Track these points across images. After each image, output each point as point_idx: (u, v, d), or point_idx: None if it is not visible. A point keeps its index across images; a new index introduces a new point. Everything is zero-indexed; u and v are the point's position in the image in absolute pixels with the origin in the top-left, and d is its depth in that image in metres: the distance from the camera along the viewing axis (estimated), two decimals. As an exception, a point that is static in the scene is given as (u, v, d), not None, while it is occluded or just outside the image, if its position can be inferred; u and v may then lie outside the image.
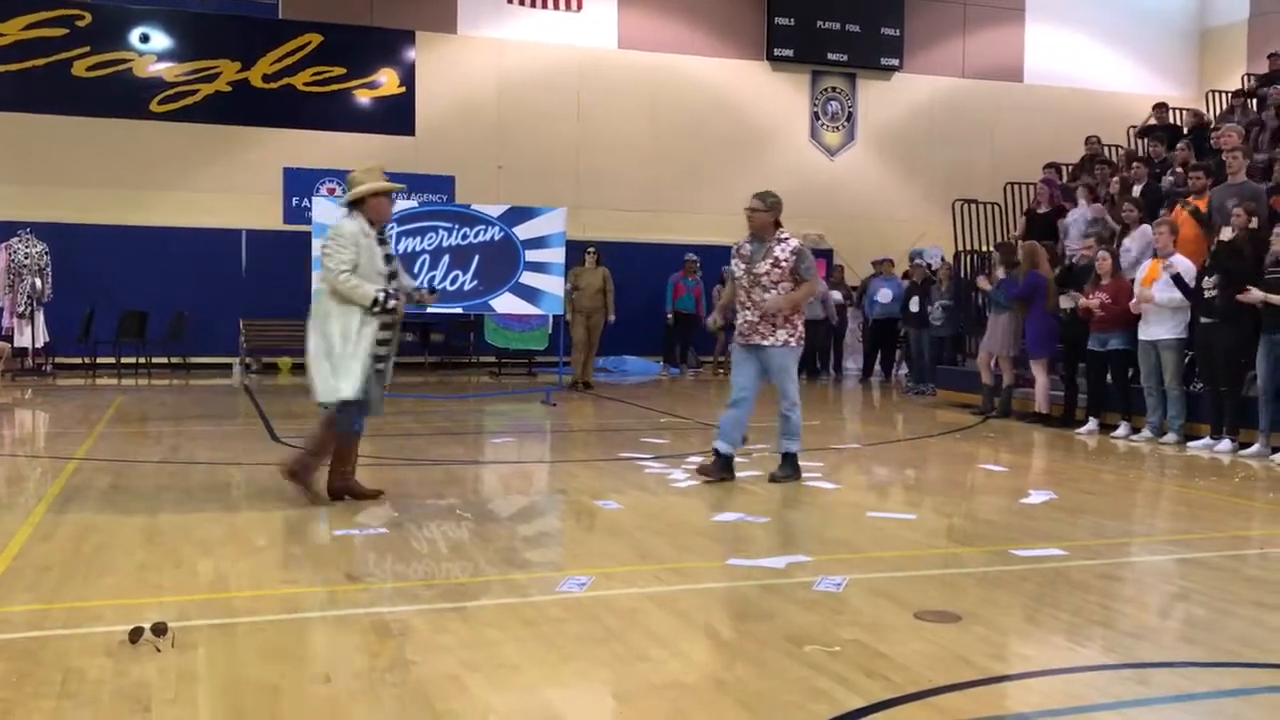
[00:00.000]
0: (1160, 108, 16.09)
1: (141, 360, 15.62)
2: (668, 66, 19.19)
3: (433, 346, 17.65)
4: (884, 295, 15.81)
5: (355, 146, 17.38)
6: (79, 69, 16.59)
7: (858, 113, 20.43)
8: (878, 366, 16.64)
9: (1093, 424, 10.11)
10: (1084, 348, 10.13)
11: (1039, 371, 10.74)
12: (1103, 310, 9.76)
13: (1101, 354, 9.95)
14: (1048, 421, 10.55)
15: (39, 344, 15.24)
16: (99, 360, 15.45)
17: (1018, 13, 21.09)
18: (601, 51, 18.91)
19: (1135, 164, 12.70)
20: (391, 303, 6.12)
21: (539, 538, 5.87)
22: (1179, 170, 11.63)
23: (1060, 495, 6.84)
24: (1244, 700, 3.42)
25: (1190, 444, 9.13)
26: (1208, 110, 17.49)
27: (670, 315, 17.22)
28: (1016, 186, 15.69)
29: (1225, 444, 8.83)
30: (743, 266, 7.07)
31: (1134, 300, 9.42)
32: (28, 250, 15.02)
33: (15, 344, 15.02)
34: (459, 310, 12.64)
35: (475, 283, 11.78)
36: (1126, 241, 10.56)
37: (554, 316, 13.36)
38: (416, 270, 11.55)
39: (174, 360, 16.02)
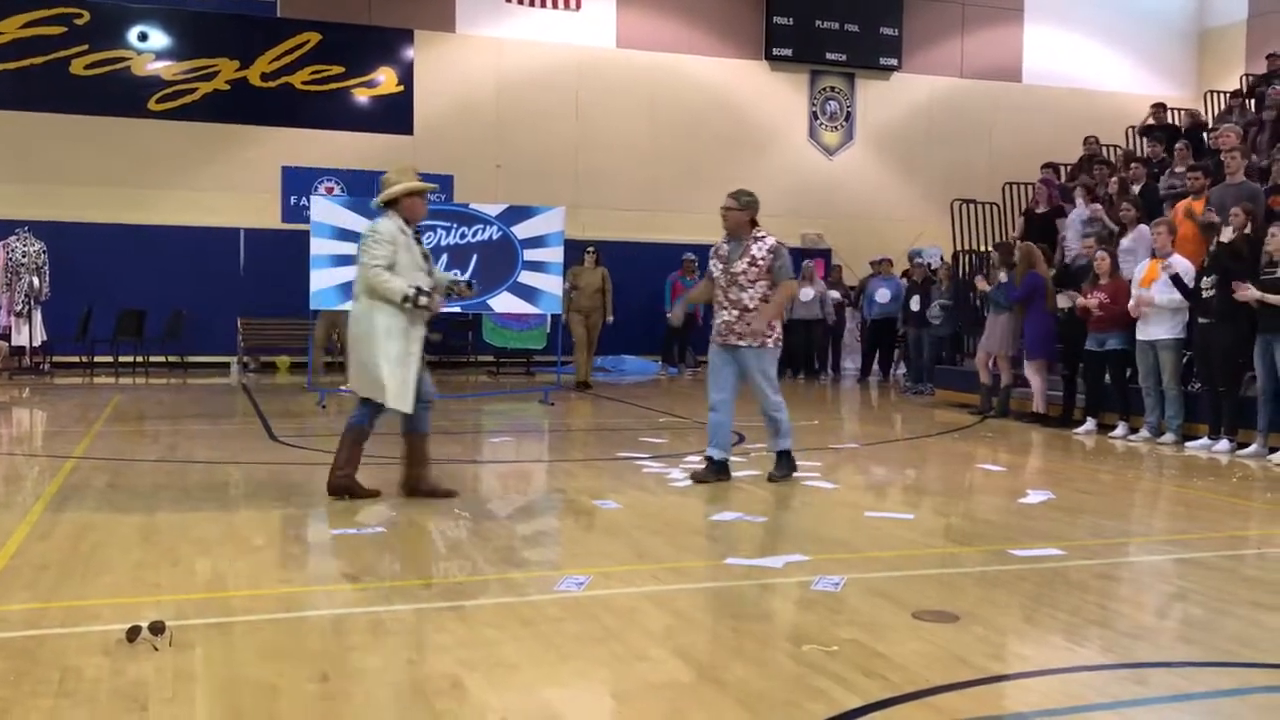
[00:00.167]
0: (1159, 108, 16.09)
1: (139, 359, 15.61)
2: (666, 66, 19.19)
3: (431, 346, 17.51)
4: (882, 295, 15.82)
5: (353, 145, 17.39)
6: (77, 67, 16.58)
7: (856, 112, 20.44)
8: (876, 366, 16.66)
9: (1091, 424, 10.12)
10: (1082, 347, 10.13)
11: (1033, 373, 10.74)
12: (1101, 310, 9.76)
13: (1100, 354, 9.95)
14: (1046, 421, 10.56)
15: (36, 343, 15.23)
16: (97, 359, 15.44)
17: (1016, 13, 21.10)
18: (600, 51, 18.91)
19: (1134, 164, 12.71)
20: (423, 299, 6.15)
21: (537, 537, 5.87)
22: (1178, 170, 11.63)
23: (1058, 495, 6.84)
24: (1241, 700, 3.42)
25: (1188, 444, 9.13)
26: (1206, 110, 17.50)
27: (669, 315, 17.20)
28: (1015, 186, 15.70)
29: (1223, 444, 8.84)
30: (720, 266, 7.01)
31: (1133, 302, 9.41)
32: (25, 249, 15.01)
33: (13, 343, 15.02)
34: (457, 309, 12.63)
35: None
36: (1125, 241, 10.56)
37: (552, 316, 13.35)
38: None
39: (171, 359, 16.01)
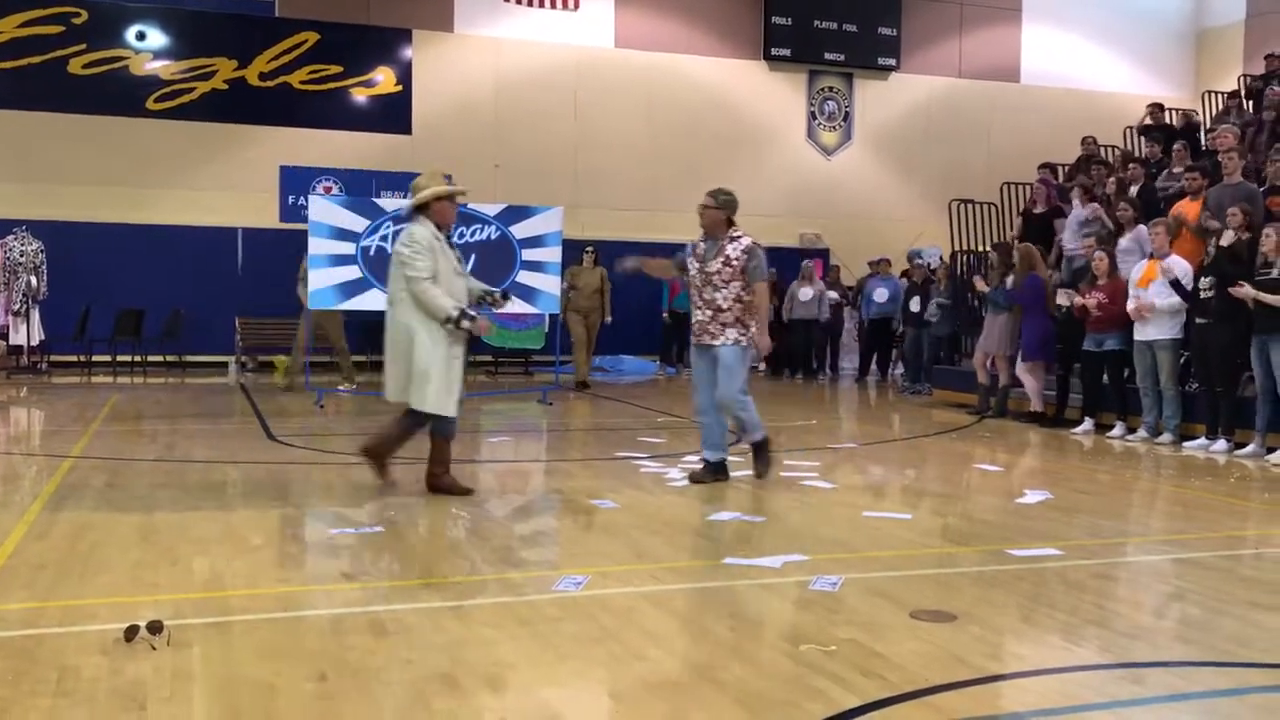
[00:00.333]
0: (1156, 108, 16.10)
1: (137, 358, 15.60)
2: (665, 66, 19.20)
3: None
4: (880, 295, 15.84)
5: (352, 145, 17.40)
6: (75, 66, 16.57)
7: (854, 112, 20.45)
8: (874, 366, 16.67)
9: (1088, 424, 10.13)
10: (1079, 348, 10.14)
11: (1026, 374, 10.74)
12: (1099, 310, 9.77)
13: (1097, 354, 9.96)
14: (1043, 421, 10.56)
15: (34, 342, 15.22)
16: (95, 358, 15.43)
17: (1014, 13, 21.12)
18: (599, 51, 18.92)
19: (1131, 164, 12.71)
20: (466, 323, 6.20)
21: (535, 537, 5.87)
22: (1176, 170, 11.64)
23: (1056, 495, 6.85)
24: (1238, 700, 3.43)
25: (1186, 444, 9.14)
26: (1204, 111, 17.52)
27: (667, 315, 17.23)
28: (1013, 187, 15.70)
29: (1221, 444, 8.85)
30: (696, 265, 6.98)
31: (1132, 305, 9.40)
32: (23, 248, 15.00)
33: (11, 342, 15.02)
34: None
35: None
36: (1123, 242, 10.56)
37: (550, 316, 13.36)
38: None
39: (170, 359, 16.00)
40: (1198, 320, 9.01)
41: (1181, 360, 9.48)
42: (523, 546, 5.49)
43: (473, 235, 11.73)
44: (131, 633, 3.69)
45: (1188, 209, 10.21)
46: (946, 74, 20.79)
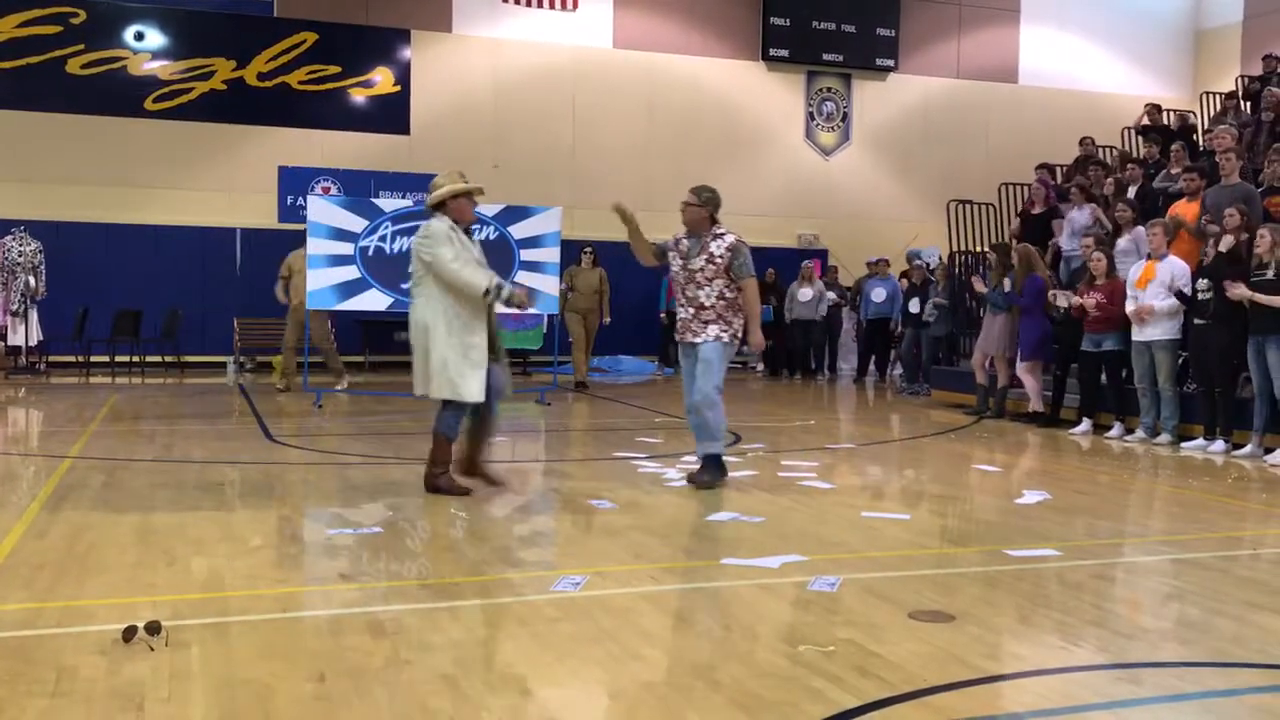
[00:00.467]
0: (1154, 109, 16.12)
1: (135, 359, 15.59)
2: (663, 66, 19.20)
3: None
4: (878, 295, 15.85)
5: (350, 145, 17.40)
6: (73, 66, 16.56)
7: (853, 113, 20.45)
8: (872, 366, 16.67)
9: (1086, 424, 10.13)
10: (1076, 348, 10.15)
11: (1026, 374, 10.74)
12: (1098, 310, 9.77)
13: (1095, 354, 9.97)
14: (1041, 422, 10.56)
15: (33, 342, 15.21)
16: (93, 359, 15.42)
17: (1012, 14, 21.13)
18: (597, 51, 18.92)
19: (1130, 165, 12.72)
20: (505, 291, 6.25)
21: (533, 537, 5.87)
22: (1173, 172, 11.65)
23: (1054, 495, 6.85)
24: (1236, 700, 3.43)
25: (1184, 444, 9.15)
26: (1201, 112, 17.53)
27: (664, 315, 17.23)
28: (1011, 187, 15.71)
29: (1218, 445, 8.85)
30: (679, 262, 6.93)
31: (1131, 308, 9.39)
32: (21, 248, 14.99)
33: (9, 342, 15.00)
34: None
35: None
36: (1122, 242, 10.57)
37: (549, 316, 13.36)
38: (411, 270, 11.51)
39: (168, 359, 15.99)
40: (1196, 321, 9.01)
41: (1179, 361, 9.48)
42: (521, 547, 5.49)
43: (471, 236, 11.72)
44: (129, 633, 3.69)
45: (1185, 210, 10.22)
46: (945, 75, 20.80)
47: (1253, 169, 11.01)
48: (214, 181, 17.10)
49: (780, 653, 3.72)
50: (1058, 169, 14.90)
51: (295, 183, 14.98)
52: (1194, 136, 14.56)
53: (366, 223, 11.35)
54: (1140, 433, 9.60)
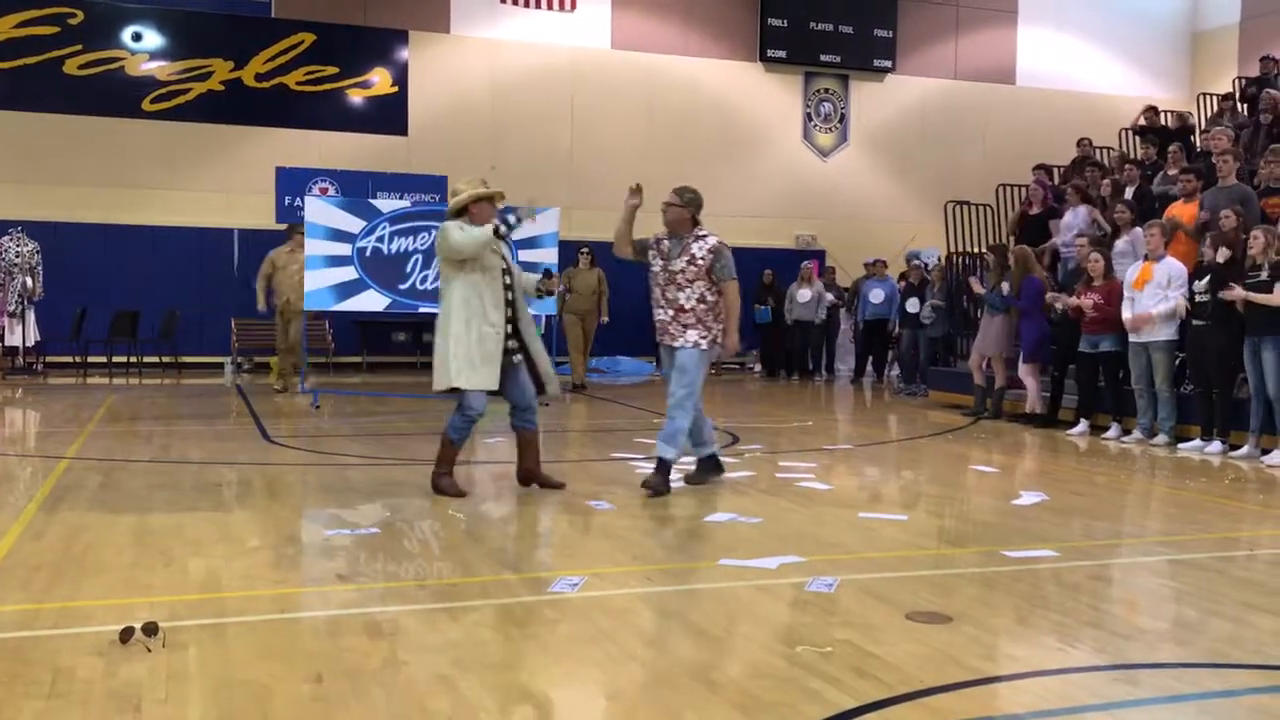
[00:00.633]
0: (1151, 111, 16.13)
1: (133, 359, 15.58)
2: (661, 67, 19.20)
3: (425, 346, 17.62)
4: (876, 296, 15.85)
5: (348, 146, 17.39)
6: (71, 67, 16.55)
7: (850, 114, 20.46)
8: (869, 367, 16.68)
9: (1083, 425, 10.14)
10: (1074, 349, 10.15)
11: (1028, 375, 10.75)
12: (1095, 311, 9.78)
13: (1092, 355, 9.97)
14: (1038, 422, 10.57)
15: (30, 343, 15.20)
16: (90, 359, 15.40)
17: (1010, 15, 21.14)
18: (595, 52, 18.92)
19: (1127, 166, 12.73)
20: (513, 217, 6.43)
21: (531, 538, 5.87)
22: (1171, 173, 11.66)
23: (1051, 496, 6.86)
24: (1233, 701, 3.43)
25: (1181, 445, 9.15)
26: (1199, 113, 17.54)
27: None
28: (1008, 188, 15.72)
29: (1215, 446, 8.86)
30: (660, 262, 6.80)
31: (1128, 315, 9.38)
32: (19, 249, 14.97)
33: (6, 343, 14.98)
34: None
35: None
36: (1120, 244, 10.57)
37: (547, 317, 13.34)
38: (409, 270, 11.54)
39: (165, 360, 15.98)
40: (1193, 322, 9.02)
41: (1177, 362, 9.49)
42: (519, 548, 5.49)
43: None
44: (127, 634, 3.69)
45: (1182, 211, 10.23)
46: (942, 75, 20.81)
47: (1249, 170, 11.02)
48: (211, 182, 17.08)
49: (778, 653, 3.72)
50: (1055, 170, 14.91)
51: (293, 183, 14.97)
52: (1192, 138, 14.57)
53: (364, 223, 11.35)
54: (1137, 433, 9.60)
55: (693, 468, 7.22)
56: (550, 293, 6.79)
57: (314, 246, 11.21)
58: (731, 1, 19.66)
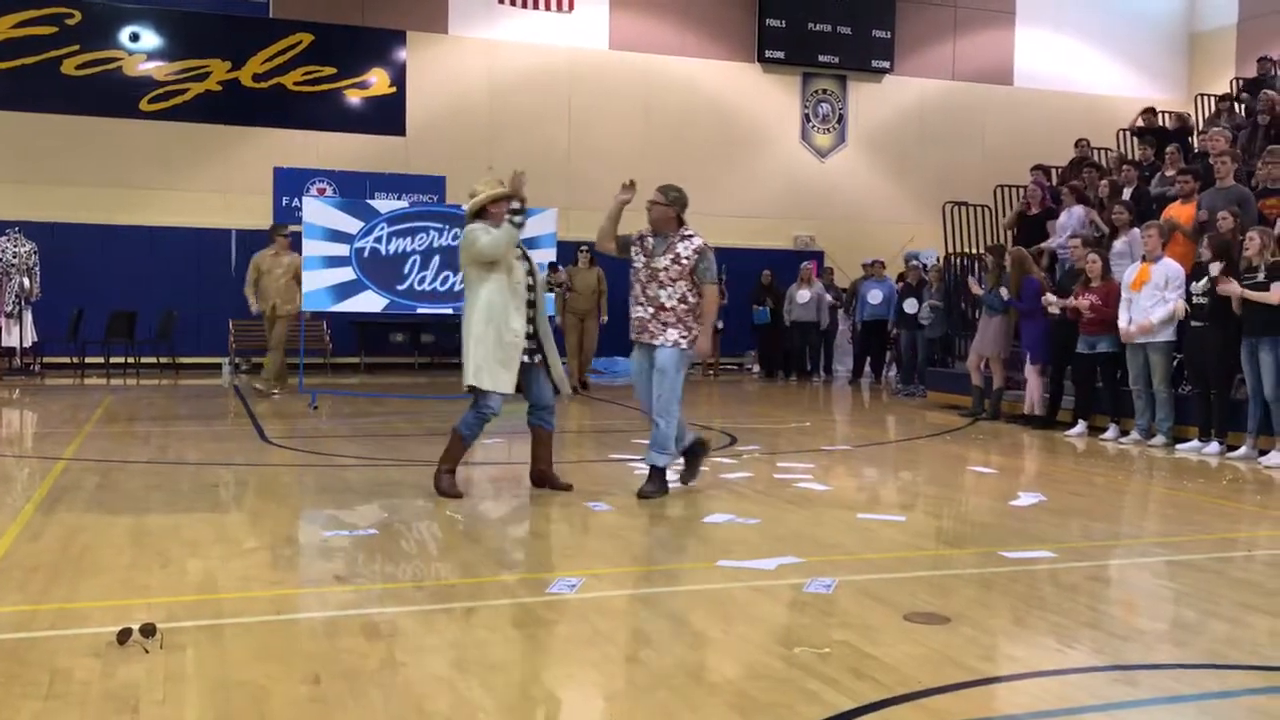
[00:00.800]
0: (1149, 112, 16.14)
1: (130, 360, 15.57)
2: (659, 68, 19.21)
3: (423, 347, 17.64)
4: (874, 297, 15.86)
5: (346, 146, 17.38)
6: (68, 67, 16.54)
7: (848, 115, 20.47)
8: (867, 368, 16.68)
9: (1081, 426, 10.14)
10: (1072, 349, 10.16)
11: (1034, 376, 10.75)
12: (1093, 312, 9.79)
13: (1090, 356, 9.98)
14: (1036, 423, 10.57)
15: (27, 343, 15.19)
16: (87, 360, 15.39)
17: (1008, 16, 21.15)
18: (593, 52, 18.92)
19: (1125, 167, 12.74)
20: (514, 203, 6.52)
21: (529, 539, 5.87)
22: (1168, 174, 11.66)
23: (1049, 497, 6.86)
24: (1231, 702, 3.43)
25: (1178, 446, 9.16)
26: (1196, 114, 17.54)
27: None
28: (1007, 189, 15.73)
29: (1213, 446, 8.87)
30: (643, 259, 6.73)
31: (1125, 323, 9.37)
32: (16, 249, 14.96)
33: (3, 343, 14.97)
34: (450, 311, 12.62)
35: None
36: (1118, 245, 10.58)
37: (548, 317, 13.35)
38: (407, 270, 11.54)
39: (163, 360, 15.97)
40: (1191, 323, 9.03)
41: (1174, 363, 9.49)
42: (516, 549, 5.49)
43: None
44: (124, 635, 3.68)
45: (1180, 212, 10.23)
46: (940, 76, 20.82)
47: (1247, 171, 11.03)
48: (209, 182, 17.07)
49: (775, 654, 3.72)
50: (1053, 171, 14.91)
51: (290, 184, 14.96)
52: (1189, 138, 14.58)
53: (362, 224, 11.34)
54: (1135, 434, 9.61)
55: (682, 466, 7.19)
56: (559, 285, 6.85)
57: (312, 247, 11.20)
58: (729, 2, 19.66)
